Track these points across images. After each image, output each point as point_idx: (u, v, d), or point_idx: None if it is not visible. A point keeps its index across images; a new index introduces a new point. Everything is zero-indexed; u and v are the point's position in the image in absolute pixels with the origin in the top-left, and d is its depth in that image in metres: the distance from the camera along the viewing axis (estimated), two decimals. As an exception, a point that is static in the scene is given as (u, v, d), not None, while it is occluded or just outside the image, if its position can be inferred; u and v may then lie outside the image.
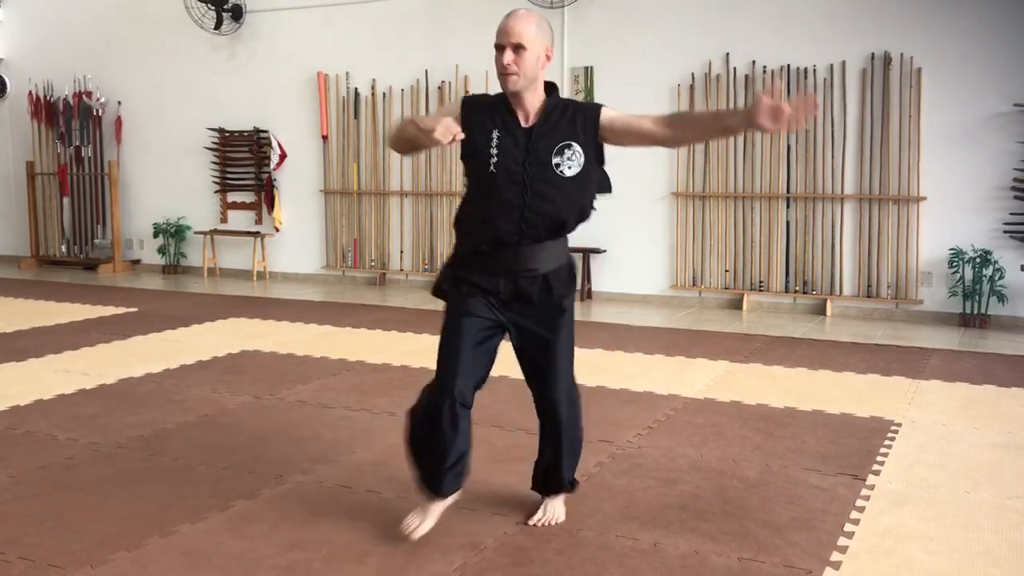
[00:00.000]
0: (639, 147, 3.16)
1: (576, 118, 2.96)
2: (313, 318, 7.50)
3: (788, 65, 7.78)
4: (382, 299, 8.69)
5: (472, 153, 2.95)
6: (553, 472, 3.25)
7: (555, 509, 3.29)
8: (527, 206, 2.93)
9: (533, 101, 2.94)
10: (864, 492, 3.59)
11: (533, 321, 3.06)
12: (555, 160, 2.93)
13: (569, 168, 2.95)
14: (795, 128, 2.69)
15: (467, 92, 8.89)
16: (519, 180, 2.91)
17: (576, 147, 2.95)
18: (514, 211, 2.92)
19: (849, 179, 7.70)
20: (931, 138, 7.39)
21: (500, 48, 2.88)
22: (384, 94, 9.42)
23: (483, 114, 2.96)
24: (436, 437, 2.97)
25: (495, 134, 2.92)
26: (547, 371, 3.12)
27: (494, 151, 2.92)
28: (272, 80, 9.94)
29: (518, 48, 2.84)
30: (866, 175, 7.63)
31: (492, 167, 2.92)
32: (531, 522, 3.25)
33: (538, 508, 3.30)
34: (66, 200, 11.08)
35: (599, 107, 3.00)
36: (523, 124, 2.95)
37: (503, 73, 2.87)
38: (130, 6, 10.69)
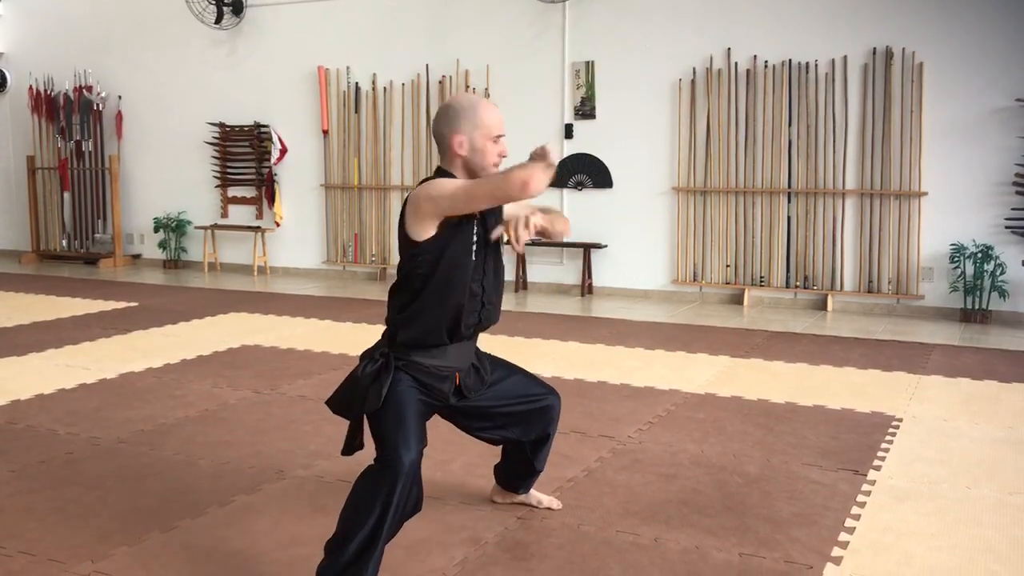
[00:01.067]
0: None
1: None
2: (314, 313, 7.50)
3: (790, 60, 7.77)
4: (383, 294, 8.66)
5: (446, 244, 2.69)
6: (539, 469, 3.25)
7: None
8: (485, 293, 2.80)
9: None
10: (865, 487, 3.58)
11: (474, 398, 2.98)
12: (498, 240, 2.85)
13: (503, 245, 2.87)
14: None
15: (468, 86, 8.88)
16: (480, 268, 2.77)
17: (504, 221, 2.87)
18: (476, 301, 2.78)
19: (850, 174, 7.69)
20: (933, 133, 7.38)
21: (498, 138, 2.74)
22: (385, 88, 9.40)
23: None
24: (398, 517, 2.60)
25: (474, 220, 2.73)
26: (517, 381, 3.08)
27: (475, 237, 2.73)
28: (272, 75, 9.93)
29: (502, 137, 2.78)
30: (867, 170, 7.62)
31: (472, 255, 2.73)
32: (547, 505, 3.34)
33: (529, 503, 3.36)
34: (67, 195, 11.07)
35: None
36: None
37: (499, 161, 2.75)
38: (131, 1, 10.67)
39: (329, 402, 2.81)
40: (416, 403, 2.73)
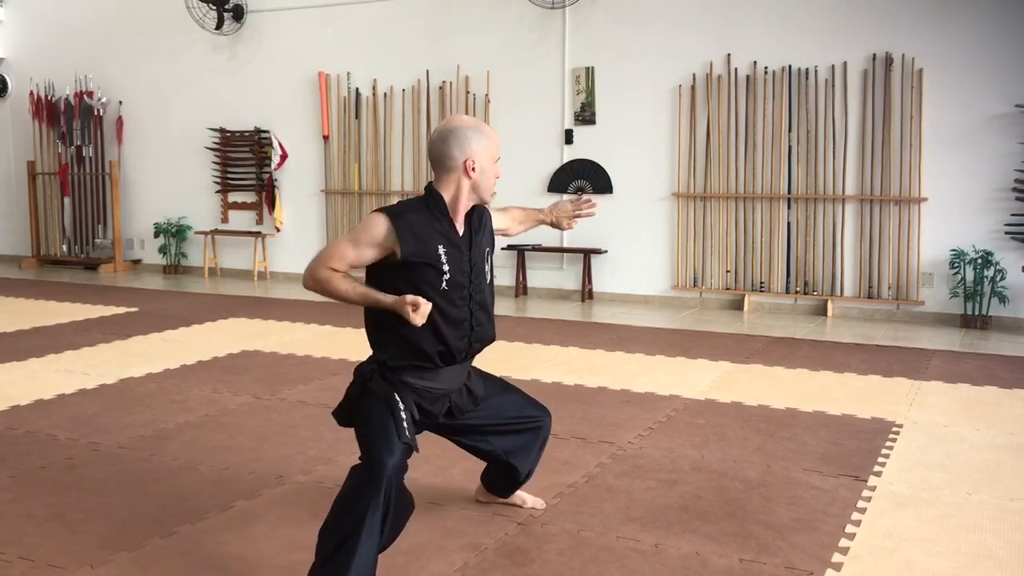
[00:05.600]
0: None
1: (484, 221, 2.88)
2: (314, 318, 7.49)
3: (789, 66, 7.77)
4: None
5: (412, 271, 2.69)
6: (523, 479, 3.28)
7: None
8: (473, 318, 2.82)
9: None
10: (865, 493, 3.58)
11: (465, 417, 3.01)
12: (485, 267, 2.87)
13: (490, 274, 2.91)
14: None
15: (468, 92, 8.89)
16: (466, 295, 2.79)
17: (493, 252, 2.94)
18: (464, 327, 2.80)
19: (850, 180, 7.69)
20: (932, 139, 7.38)
21: (497, 160, 2.82)
22: (385, 94, 9.41)
23: (420, 226, 2.70)
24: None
25: (440, 249, 2.71)
26: (511, 402, 3.12)
27: (445, 267, 2.71)
28: (273, 80, 9.94)
29: None
30: (867, 176, 7.62)
31: (444, 284, 2.72)
32: (532, 505, 3.38)
33: (514, 503, 3.40)
34: (67, 200, 11.07)
35: (486, 209, 2.93)
36: (459, 231, 2.78)
37: (493, 184, 2.82)
38: (131, 6, 10.69)
39: (336, 414, 2.91)
40: (404, 412, 2.73)
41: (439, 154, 2.75)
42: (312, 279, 2.72)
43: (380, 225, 2.67)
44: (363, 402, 2.75)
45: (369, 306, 2.73)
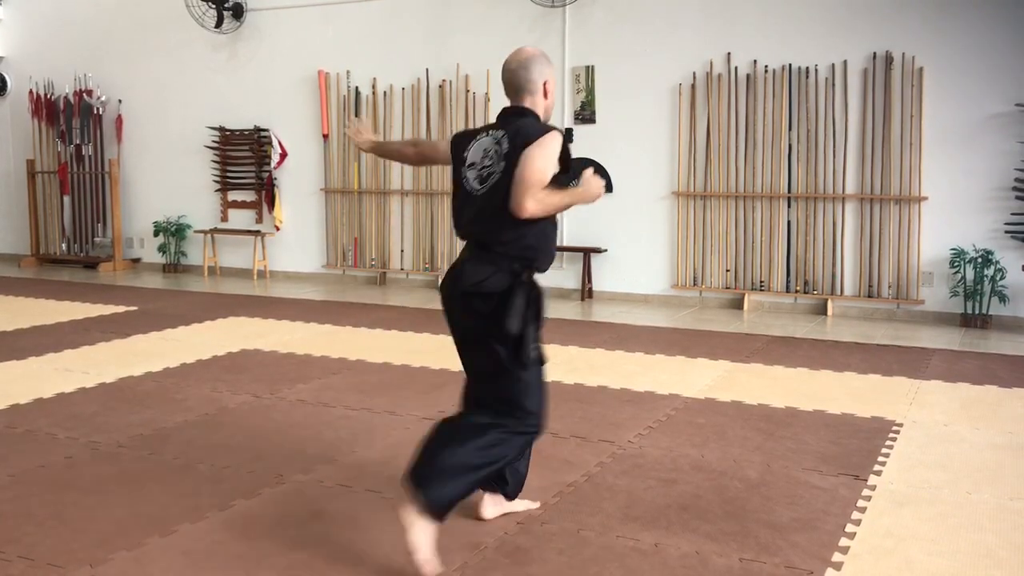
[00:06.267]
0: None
1: None
2: (313, 317, 7.49)
3: (790, 65, 7.77)
4: (383, 298, 8.68)
5: (553, 183, 2.91)
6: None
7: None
8: None
9: None
10: (865, 492, 3.58)
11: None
12: None
13: None
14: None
15: (468, 91, 8.89)
16: None
17: None
18: None
19: (850, 179, 7.69)
20: (932, 138, 7.38)
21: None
22: (385, 93, 9.41)
23: None
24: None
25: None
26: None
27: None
28: (273, 79, 9.94)
29: None
30: (867, 175, 7.62)
31: None
32: (527, 508, 3.37)
33: (515, 509, 3.38)
34: (66, 199, 11.07)
35: None
36: None
37: None
38: (131, 4, 10.68)
39: (510, 317, 2.87)
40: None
41: (523, 80, 2.99)
42: (540, 204, 2.78)
43: (559, 141, 2.88)
44: (528, 345, 2.87)
45: (569, 205, 2.91)
